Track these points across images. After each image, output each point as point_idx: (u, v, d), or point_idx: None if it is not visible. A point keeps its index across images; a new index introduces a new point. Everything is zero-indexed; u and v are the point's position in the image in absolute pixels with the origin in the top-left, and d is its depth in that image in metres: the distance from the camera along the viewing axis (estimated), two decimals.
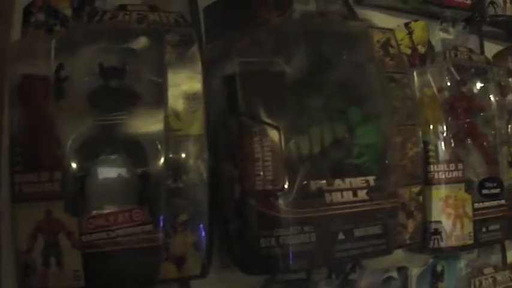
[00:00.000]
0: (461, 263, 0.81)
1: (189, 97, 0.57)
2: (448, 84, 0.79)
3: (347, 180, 0.62)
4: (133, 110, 0.54)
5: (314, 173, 0.61)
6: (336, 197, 0.61)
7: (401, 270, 0.76)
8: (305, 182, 0.60)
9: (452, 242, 0.74)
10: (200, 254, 0.55)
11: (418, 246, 0.75)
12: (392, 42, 0.72)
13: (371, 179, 0.64)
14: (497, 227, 0.78)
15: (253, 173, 0.57)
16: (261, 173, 0.58)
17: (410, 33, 0.81)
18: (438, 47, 0.84)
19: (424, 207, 0.74)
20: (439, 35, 0.85)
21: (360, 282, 0.72)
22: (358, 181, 0.63)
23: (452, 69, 0.79)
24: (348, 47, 0.69)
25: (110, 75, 0.55)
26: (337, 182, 0.62)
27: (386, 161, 0.66)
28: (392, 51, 0.71)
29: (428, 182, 0.74)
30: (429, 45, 0.83)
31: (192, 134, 0.56)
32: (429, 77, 0.77)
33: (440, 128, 0.76)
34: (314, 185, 0.60)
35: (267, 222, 0.57)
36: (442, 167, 0.74)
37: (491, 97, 0.82)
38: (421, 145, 0.71)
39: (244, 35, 0.62)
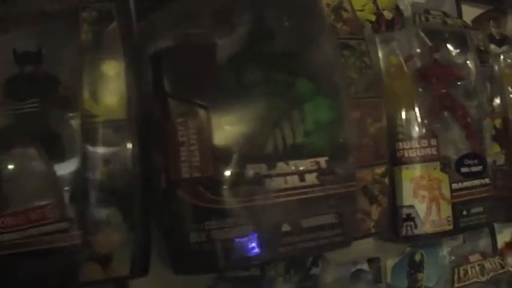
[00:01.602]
0: (444, 251, 0.72)
1: (109, 79, 0.51)
2: (418, 51, 0.70)
3: (292, 163, 0.54)
4: (50, 97, 0.49)
5: (252, 156, 0.53)
6: (279, 182, 0.53)
7: (373, 261, 0.68)
8: (241, 167, 0.51)
9: (428, 229, 0.65)
10: (128, 252, 0.49)
11: (390, 235, 0.66)
12: (346, 5, 0.63)
13: (322, 160, 0.56)
14: (480, 209, 0.69)
15: (178, 160, 0.50)
16: (187, 159, 0.50)
17: None
18: (408, 12, 0.74)
19: (393, 191, 0.65)
20: None
21: (324, 277, 0.64)
22: (306, 163, 0.55)
23: (422, 34, 0.71)
24: (294, 14, 0.60)
25: (24, 61, 0.50)
26: (280, 166, 0.54)
27: (341, 140, 0.57)
28: (345, 16, 0.63)
29: (397, 161, 0.66)
30: (397, 10, 0.74)
31: (113, 119, 0.50)
32: (395, 44, 0.68)
33: (409, 100, 0.67)
34: (251, 170, 0.52)
35: (196, 214, 0.50)
36: (412, 144, 0.66)
37: (470, 64, 0.73)
38: (385, 120, 0.61)
39: (178, 6, 0.55)
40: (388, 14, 0.74)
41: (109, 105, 0.50)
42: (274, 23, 0.60)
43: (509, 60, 0.79)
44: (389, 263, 0.70)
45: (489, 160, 0.73)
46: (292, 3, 0.61)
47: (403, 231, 0.65)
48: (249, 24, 0.59)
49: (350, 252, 0.64)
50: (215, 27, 0.58)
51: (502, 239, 0.80)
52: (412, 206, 0.65)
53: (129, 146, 0.50)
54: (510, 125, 0.78)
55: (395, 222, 0.66)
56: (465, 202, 0.69)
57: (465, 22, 0.78)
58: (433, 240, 0.68)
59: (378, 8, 0.73)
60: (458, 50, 0.72)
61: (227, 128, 0.54)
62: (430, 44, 0.71)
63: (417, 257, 0.70)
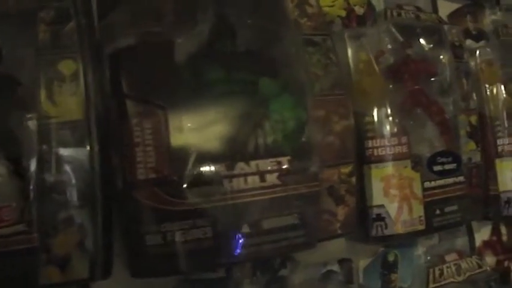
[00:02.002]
0: (419, 250, 0.71)
1: (66, 79, 0.50)
2: (390, 47, 0.68)
3: (253, 163, 0.53)
4: (9, 98, 0.48)
5: (210, 156, 0.52)
6: (238, 183, 0.52)
7: (344, 262, 0.66)
8: (198, 168, 0.50)
9: (399, 229, 0.64)
10: (87, 254, 0.48)
11: (361, 235, 0.64)
12: (311, 0, 0.61)
13: (284, 160, 0.55)
14: (455, 208, 0.68)
15: (133, 161, 0.49)
16: (142, 160, 0.49)
17: None
18: (380, 7, 0.73)
19: (363, 190, 0.64)
20: None
21: (293, 279, 0.62)
22: (266, 163, 0.54)
23: (394, 29, 0.69)
24: (257, 10, 0.59)
25: None
26: (240, 166, 0.52)
27: (304, 139, 0.56)
28: (310, 11, 0.61)
29: (367, 160, 0.64)
30: (369, 6, 0.73)
31: (70, 120, 0.49)
32: (364, 40, 0.66)
33: (379, 97, 0.66)
34: (209, 170, 0.51)
35: (152, 216, 0.49)
36: (382, 141, 0.64)
37: (444, 59, 0.71)
38: (352, 118, 0.60)
39: (138, 4, 0.54)
40: (359, 10, 0.72)
41: (66, 106, 0.49)
42: (237, 20, 0.59)
43: (485, 56, 0.77)
44: (362, 263, 0.69)
45: (464, 157, 0.71)
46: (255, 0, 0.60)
47: (373, 232, 0.64)
48: (211, 22, 0.58)
49: (320, 253, 0.63)
50: (176, 25, 0.56)
51: (480, 238, 0.78)
52: (382, 206, 0.64)
53: (87, 146, 0.49)
54: (486, 121, 0.76)
55: (366, 222, 0.64)
56: (438, 201, 0.67)
57: (440, 17, 0.77)
58: (405, 240, 0.66)
59: (348, 3, 0.71)
60: (431, 45, 0.70)
61: (185, 128, 0.53)
62: (401, 39, 0.69)
63: (391, 257, 0.69)
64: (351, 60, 0.67)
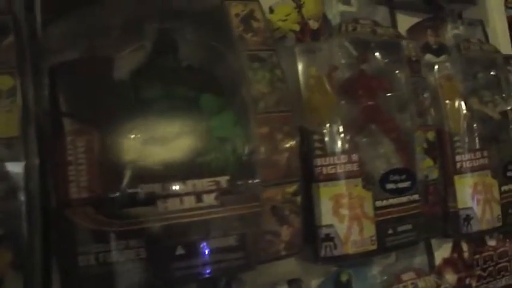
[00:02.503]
0: (374, 270, 0.69)
1: (3, 95, 0.49)
2: (343, 62, 0.67)
3: (189, 182, 0.51)
4: None
5: (145, 175, 0.50)
6: (173, 203, 0.51)
7: (294, 282, 0.64)
8: (132, 187, 0.49)
9: (349, 249, 0.62)
10: (21, 274, 0.46)
11: (310, 255, 0.63)
12: (257, 14, 0.60)
13: (223, 179, 0.54)
14: (409, 227, 0.66)
15: (66, 179, 0.48)
16: (75, 179, 0.48)
17: (299, 6, 0.70)
18: (336, 21, 0.72)
19: (312, 210, 0.62)
20: (338, 8, 0.73)
21: None
22: (204, 183, 0.52)
23: (348, 44, 0.67)
24: (200, 26, 0.58)
25: None
26: (175, 186, 0.51)
27: (245, 157, 0.55)
28: (256, 26, 0.60)
29: (315, 178, 0.63)
30: (324, 20, 0.71)
31: (4, 137, 0.47)
32: (316, 55, 0.65)
33: (329, 114, 0.64)
34: (144, 190, 0.49)
35: (85, 236, 0.48)
36: (331, 159, 0.63)
37: (401, 75, 0.70)
38: (297, 136, 0.58)
39: (80, 20, 0.54)
40: (313, 24, 0.71)
41: (1, 122, 0.48)
42: (179, 35, 0.58)
43: (445, 71, 0.75)
44: (314, 284, 0.67)
45: (421, 175, 0.70)
46: (199, 15, 0.59)
47: (322, 252, 0.62)
48: (153, 37, 0.57)
49: (269, 273, 0.61)
50: (118, 40, 0.55)
51: (440, 255, 0.77)
52: (331, 226, 0.62)
53: (22, 164, 0.48)
54: (445, 137, 0.74)
55: (314, 242, 0.62)
56: (391, 220, 0.66)
57: (397, 31, 0.75)
58: (355, 261, 0.64)
59: (303, 17, 0.70)
60: (387, 60, 0.69)
61: (120, 147, 0.51)
62: (355, 54, 0.68)
63: (344, 277, 0.67)
64: (301, 76, 0.65)
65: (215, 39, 0.59)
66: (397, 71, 0.70)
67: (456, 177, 0.74)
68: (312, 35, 0.70)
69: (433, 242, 0.75)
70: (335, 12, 0.73)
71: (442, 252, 0.77)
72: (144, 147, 0.52)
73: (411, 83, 0.71)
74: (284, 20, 0.70)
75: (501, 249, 0.83)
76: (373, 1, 0.76)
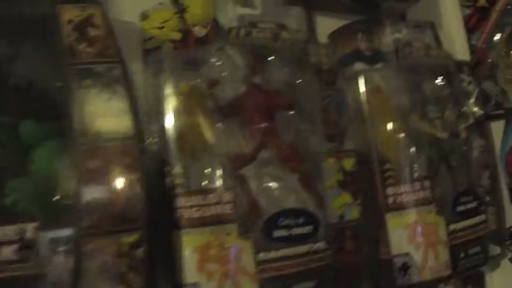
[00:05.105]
0: None
1: None
2: (226, 74, 0.53)
3: None
4: None
5: None
6: None
7: None
8: None
9: None
10: None
11: None
12: (97, 20, 0.48)
13: (29, 227, 0.40)
14: (311, 284, 0.51)
15: None
16: None
17: (181, 11, 0.57)
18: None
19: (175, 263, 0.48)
20: (236, 10, 0.59)
21: None
22: (5, 231, 0.41)
23: (232, 52, 0.53)
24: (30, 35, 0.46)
25: None
26: None
27: (62, 198, 0.42)
28: (93, 34, 0.47)
29: (177, 224, 0.48)
30: (214, 26, 0.58)
31: None
32: (195, 67, 0.52)
33: (198, 141, 0.50)
34: None
35: None
36: (193, 200, 0.48)
37: (305, 87, 0.55)
38: (141, 170, 0.45)
39: None
40: (200, 31, 0.57)
41: None
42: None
43: (374, 82, 0.60)
44: None
45: (333, 215, 0.54)
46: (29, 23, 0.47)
47: None
48: None
49: None
50: None
51: None
52: (196, 284, 0.48)
53: None
54: (373, 165, 0.59)
55: None
56: (284, 277, 0.50)
57: (308, 35, 0.61)
58: None
59: (185, 23, 0.56)
60: (286, 70, 0.55)
61: None
62: (242, 64, 0.54)
63: None
64: (165, 93, 0.51)
65: (46, 51, 0.46)
66: (301, 83, 0.55)
67: (388, 216, 0.58)
68: (197, 43, 0.57)
69: None
70: (231, 16, 0.59)
71: None
72: None
73: (322, 98, 0.56)
74: (160, 28, 0.56)
75: None
76: (286, 1, 0.62)
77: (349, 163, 0.57)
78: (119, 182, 0.45)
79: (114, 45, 0.49)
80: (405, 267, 0.59)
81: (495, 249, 0.69)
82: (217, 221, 0.49)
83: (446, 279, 0.61)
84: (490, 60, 0.71)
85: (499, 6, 0.69)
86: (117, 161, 0.46)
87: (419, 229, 0.59)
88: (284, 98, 0.55)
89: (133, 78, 0.54)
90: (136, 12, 0.58)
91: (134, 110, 0.48)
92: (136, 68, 0.54)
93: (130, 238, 0.45)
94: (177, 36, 0.57)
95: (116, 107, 0.47)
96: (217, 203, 0.49)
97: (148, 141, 0.52)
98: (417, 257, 0.59)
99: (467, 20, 0.74)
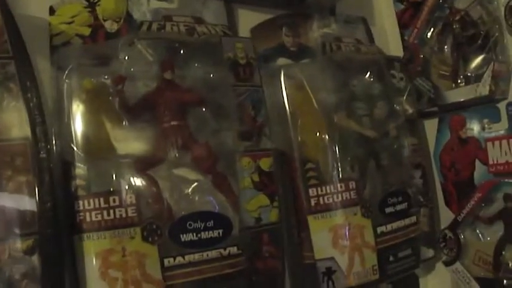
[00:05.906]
0: None
1: None
2: (135, 70, 0.50)
3: None
4: None
5: None
6: None
7: None
8: None
9: None
10: None
11: None
12: None
13: None
14: None
15: None
16: None
17: (92, 5, 0.53)
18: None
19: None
20: (150, 4, 0.56)
21: None
22: None
23: (141, 47, 0.50)
24: None
25: None
26: None
27: None
28: None
29: (77, 228, 0.45)
30: (127, 21, 0.55)
31: None
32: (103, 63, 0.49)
33: (104, 143, 0.47)
34: None
35: None
36: (93, 203, 0.45)
37: (221, 83, 0.52)
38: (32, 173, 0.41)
39: None
40: (111, 26, 0.54)
41: None
42: None
43: (296, 78, 0.58)
44: None
45: (249, 218, 0.51)
46: None
47: None
48: None
49: None
50: None
51: None
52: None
53: None
54: (294, 164, 0.56)
55: None
56: (193, 283, 0.47)
57: (226, 28, 0.58)
58: None
59: (96, 18, 0.53)
60: (198, 65, 0.52)
61: None
62: (151, 59, 0.51)
63: None
64: (67, 91, 0.48)
65: None
66: (214, 78, 0.52)
67: (310, 218, 0.56)
68: (107, 38, 0.53)
69: None
70: (145, 10, 0.56)
71: None
72: None
73: (237, 94, 0.53)
74: (69, 23, 0.53)
75: None
76: None
77: (266, 163, 0.55)
78: (11, 185, 0.42)
79: (9, 40, 0.45)
80: (329, 272, 0.56)
81: (428, 252, 0.67)
82: (119, 224, 0.46)
83: (374, 284, 0.58)
84: (422, 56, 0.69)
85: (430, 1, 0.67)
86: (7, 162, 0.42)
87: (344, 232, 0.57)
88: (194, 95, 0.52)
89: (40, 76, 0.50)
90: (45, 6, 0.54)
91: (39, 109, 0.45)
92: (44, 66, 0.51)
93: (24, 244, 0.41)
94: (87, 31, 0.54)
95: (8, 105, 0.43)
96: (119, 206, 0.46)
97: (53, 142, 0.48)
98: (342, 261, 0.57)
99: (400, 16, 0.72)
